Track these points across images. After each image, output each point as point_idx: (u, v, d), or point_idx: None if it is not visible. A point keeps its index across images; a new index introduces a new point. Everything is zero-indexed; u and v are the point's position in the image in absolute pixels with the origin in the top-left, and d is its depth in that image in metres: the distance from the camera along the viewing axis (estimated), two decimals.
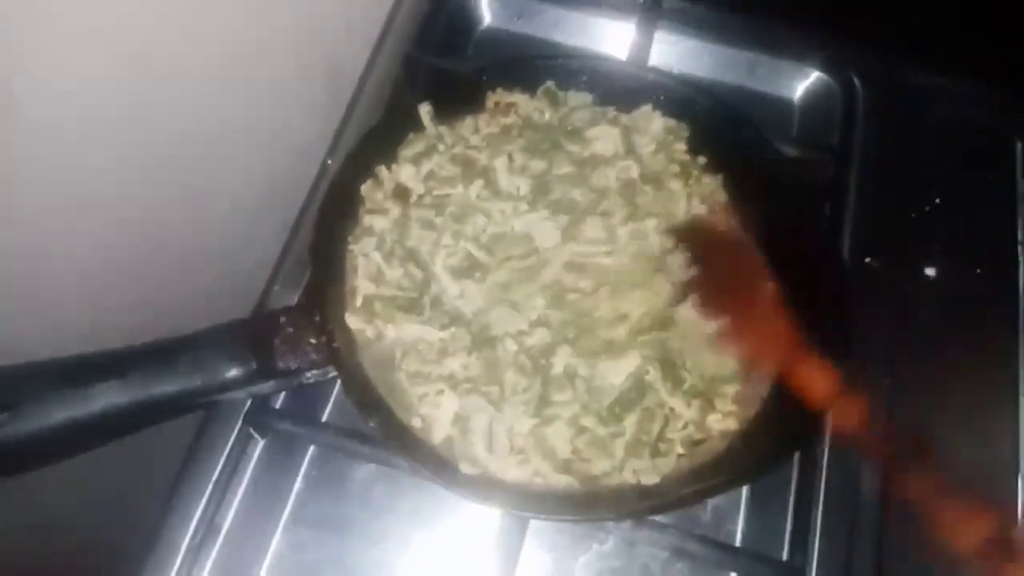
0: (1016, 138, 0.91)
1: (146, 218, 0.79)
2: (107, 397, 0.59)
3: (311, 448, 0.73)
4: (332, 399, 0.78)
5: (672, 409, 0.67)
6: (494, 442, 0.64)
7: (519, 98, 0.80)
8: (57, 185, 0.67)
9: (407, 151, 0.77)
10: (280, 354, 0.64)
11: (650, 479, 0.64)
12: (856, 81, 0.90)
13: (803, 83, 0.93)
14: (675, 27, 0.93)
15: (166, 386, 0.60)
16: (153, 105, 0.71)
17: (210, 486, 0.68)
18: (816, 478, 0.69)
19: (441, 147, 0.77)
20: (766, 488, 0.72)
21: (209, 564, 0.66)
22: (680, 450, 0.66)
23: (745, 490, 0.72)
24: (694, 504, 0.72)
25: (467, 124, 0.80)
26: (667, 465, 0.65)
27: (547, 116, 0.80)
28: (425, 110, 0.78)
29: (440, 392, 0.66)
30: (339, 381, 0.67)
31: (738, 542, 0.70)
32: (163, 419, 0.65)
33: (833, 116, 0.89)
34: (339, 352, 0.65)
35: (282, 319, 0.66)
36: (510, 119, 0.80)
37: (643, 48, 0.89)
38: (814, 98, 0.93)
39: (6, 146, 0.60)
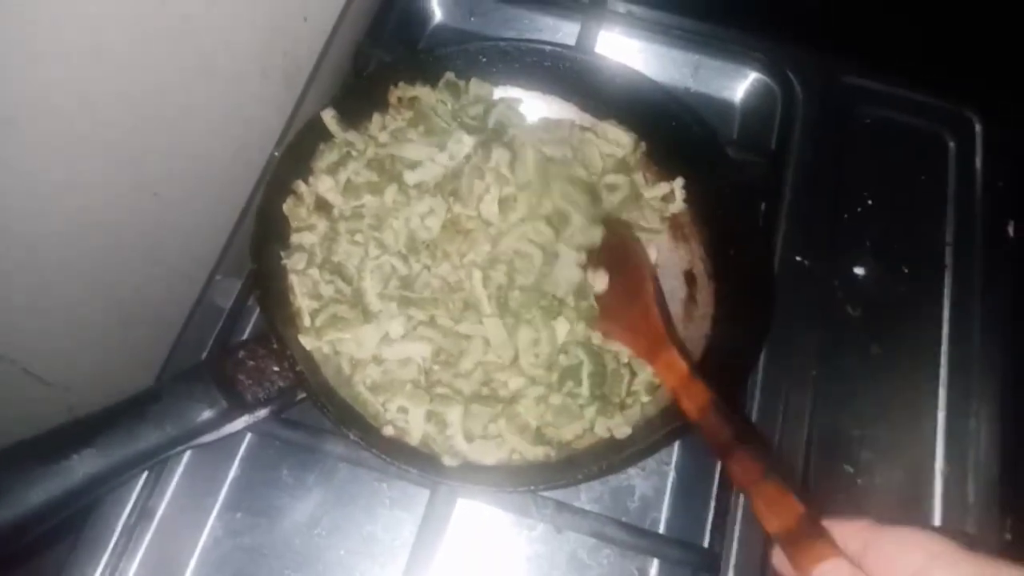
0: (949, 138, 0.93)
1: (100, 205, 0.80)
2: (83, 468, 0.59)
3: (247, 435, 0.74)
4: None
5: (628, 363, 0.71)
6: (470, 432, 0.67)
7: (421, 91, 0.81)
8: (6, 173, 0.67)
9: (321, 162, 0.77)
10: (246, 387, 0.66)
11: (622, 432, 0.67)
12: (794, 82, 0.92)
13: (743, 84, 0.95)
14: (620, 28, 0.95)
15: (139, 443, 0.61)
16: (108, 93, 0.71)
17: (145, 471, 0.69)
18: None
19: (354, 152, 0.78)
20: (690, 476, 0.74)
21: (143, 547, 0.68)
22: (645, 398, 0.70)
23: (670, 479, 0.74)
24: (666, 447, 0.75)
25: (375, 122, 0.81)
26: (634, 415, 0.69)
27: (450, 106, 0.81)
28: (329, 115, 0.78)
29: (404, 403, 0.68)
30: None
31: (662, 529, 0.72)
32: (143, 470, 0.66)
33: (772, 117, 0.92)
34: (303, 374, 0.66)
35: (241, 353, 0.67)
36: (413, 112, 0.81)
37: (588, 47, 0.91)
38: (754, 99, 0.95)
39: None
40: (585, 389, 0.69)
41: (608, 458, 0.65)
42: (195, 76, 0.80)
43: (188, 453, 0.71)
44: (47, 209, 0.73)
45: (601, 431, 0.68)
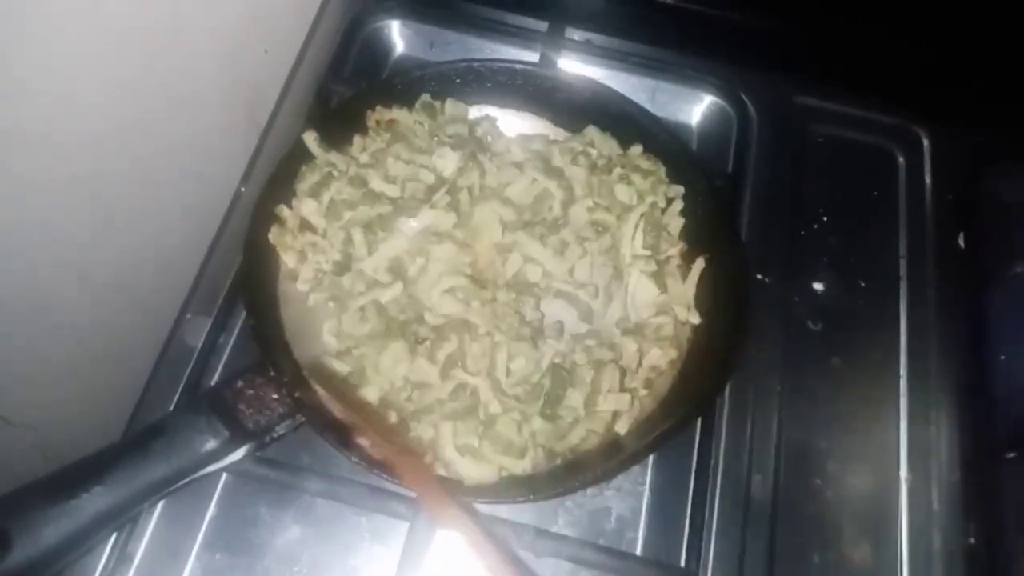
0: (899, 154, 0.97)
1: (60, 242, 0.79)
2: (93, 505, 0.60)
3: (223, 475, 0.74)
4: None
5: (615, 361, 0.73)
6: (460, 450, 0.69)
7: (398, 113, 0.84)
8: None
9: (303, 184, 0.79)
10: (247, 416, 0.68)
11: (623, 428, 0.70)
12: (748, 103, 0.95)
13: (700, 108, 0.98)
14: (578, 55, 0.97)
15: (147, 477, 0.63)
16: (70, 128, 0.71)
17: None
18: (710, 485, 0.74)
19: (336, 173, 0.80)
20: (665, 495, 0.76)
21: None
22: (643, 392, 0.73)
23: (646, 498, 0.75)
24: (657, 449, 0.76)
25: (356, 145, 0.83)
26: (633, 412, 0.71)
27: (427, 126, 0.84)
28: (311, 138, 0.80)
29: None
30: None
31: (639, 550, 0.73)
32: (152, 503, 0.67)
33: (728, 139, 0.95)
34: (302, 399, 0.68)
35: (239, 383, 0.69)
36: (392, 134, 0.83)
37: None
38: (710, 122, 0.98)
39: None
40: (578, 404, 0.70)
41: (608, 461, 0.68)
42: (157, 109, 0.80)
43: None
44: (7, 247, 0.72)
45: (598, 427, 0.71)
